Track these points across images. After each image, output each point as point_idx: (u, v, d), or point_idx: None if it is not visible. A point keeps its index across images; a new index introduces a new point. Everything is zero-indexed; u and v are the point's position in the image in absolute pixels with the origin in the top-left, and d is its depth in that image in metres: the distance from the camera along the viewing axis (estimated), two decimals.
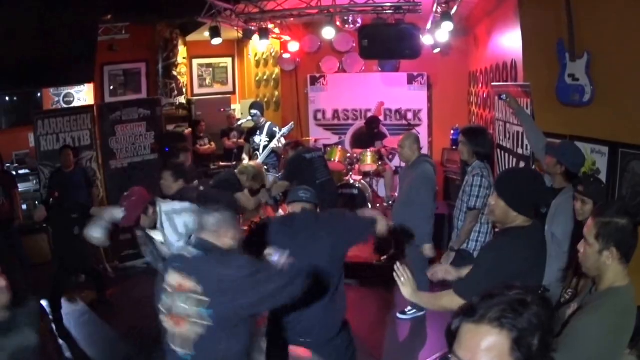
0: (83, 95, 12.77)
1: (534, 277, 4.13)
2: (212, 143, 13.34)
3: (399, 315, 8.11)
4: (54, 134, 10.57)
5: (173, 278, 3.87)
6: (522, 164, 6.83)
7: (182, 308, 3.78)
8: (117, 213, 6.34)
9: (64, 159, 9.60)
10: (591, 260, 3.46)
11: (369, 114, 13.18)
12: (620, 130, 6.02)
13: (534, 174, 4.91)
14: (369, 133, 12.32)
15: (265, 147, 10.80)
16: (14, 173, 10.91)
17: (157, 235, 5.56)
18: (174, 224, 5.54)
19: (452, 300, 3.95)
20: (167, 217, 5.58)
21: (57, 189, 9.26)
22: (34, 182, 10.78)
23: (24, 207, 10.17)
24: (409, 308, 8.01)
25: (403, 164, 8.46)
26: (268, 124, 11.20)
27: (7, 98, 11.95)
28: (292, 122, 11.46)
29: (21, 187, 10.66)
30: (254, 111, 11.13)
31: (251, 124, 11.55)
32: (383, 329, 7.86)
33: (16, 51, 8.28)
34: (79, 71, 9.92)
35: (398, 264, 4.08)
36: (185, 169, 7.80)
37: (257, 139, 11.06)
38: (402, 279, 4.06)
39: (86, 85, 12.57)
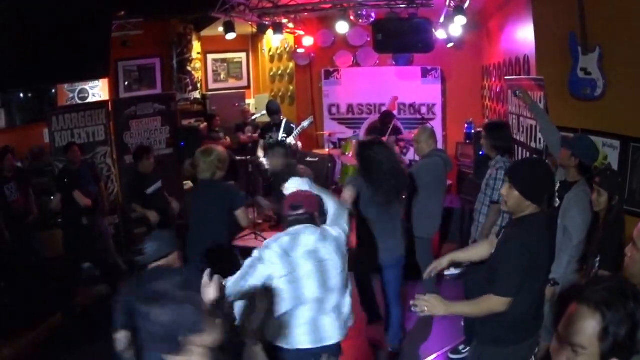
0: (98, 91, 12.81)
1: (546, 260, 4.34)
2: (227, 137, 13.36)
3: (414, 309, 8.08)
4: (68, 130, 10.61)
5: None
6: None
7: None
8: None
9: (70, 155, 9.62)
10: (639, 265, 3.31)
11: (383, 108, 13.17)
12: (632, 125, 6.01)
13: (544, 163, 4.99)
14: (383, 128, 12.31)
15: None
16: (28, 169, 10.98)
17: None
18: None
19: (498, 302, 4.08)
20: None
21: (66, 186, 9.34)
22: (49, 177, 10.83)
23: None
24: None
25: (417, 158, 8.47)
26: (285, 120, 11.26)
27: (21, 95, 11.97)
28: (311, 117, 11.50)
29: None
30: (274, 116, 11.31)
31: (266, 119, 11.60)
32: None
33: (30, 48, 8.34)
34: (93, 67, 9.98)
35: (412, 302, 4.08)
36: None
37: (274, 135, 11.09)
38: (426, 307, 4.05)
39: (101, 81, 12.61)
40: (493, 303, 4.08)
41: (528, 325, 4.33)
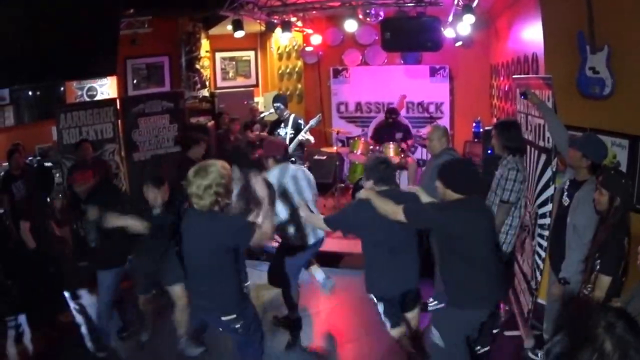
0: (106, 89, 12.85)
1: (474, 237, 5.17)
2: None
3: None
4: (76, 127, 10.61)
5: None
6: (543, 157, 6.80)
7: None
8: None
9: (82, 152, 9.63)
10: None
11: (391, 107, 13.15)
12: None
13: (466, 163, 6.56)
14: (389, 125, 12.26)
15: (291, 139, 10.79)
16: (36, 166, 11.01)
17: None
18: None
19: (396, 213, 5.42)
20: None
21: None
22: (57, 175, 10.84)
23: (47, 199, 10.22)
24: (431, 300, 7.98)
25: (426, 157, 8.47)
26: (292, 116, 11.14)
27: (30, 92, 12.00)
28: (320, 114, 11.47)
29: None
30: (277, 104, 11.06)
31: (274, 117, 11.57)
32: None
33: (39, 45, 8.37)
34: (101, 64, 10.01)
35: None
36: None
37: (282, 131, 11.03)
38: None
39: (109, 78, 12.64)
40: (395, 211, 5.44)
41: (477, 293, 5.21)
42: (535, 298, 6.74)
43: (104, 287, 7.29)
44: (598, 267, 4.75)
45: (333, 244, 9.42)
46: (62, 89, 12.44)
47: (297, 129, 10.84)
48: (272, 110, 11.32)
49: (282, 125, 11.07)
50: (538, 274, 6.62)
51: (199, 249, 5.11)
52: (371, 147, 11.81)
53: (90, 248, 7.24)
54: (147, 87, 13.51)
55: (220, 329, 5.65)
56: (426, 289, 7.92)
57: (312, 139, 10.94)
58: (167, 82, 13.93)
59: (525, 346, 6.89)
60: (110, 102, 11.55)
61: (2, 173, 9.70)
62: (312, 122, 10.81)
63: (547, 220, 6.41)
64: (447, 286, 5.46)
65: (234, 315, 5.27)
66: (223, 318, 5.28)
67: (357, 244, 6.18)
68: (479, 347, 5.72)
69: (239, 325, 5.32)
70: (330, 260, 9.49)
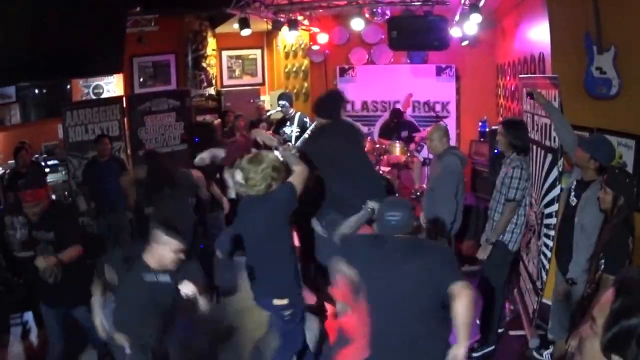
0: (112, 87, 12.89)
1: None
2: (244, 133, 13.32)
3: None
4: (82, 125, 10.67)
5: None
6: (549, 157, 6.79)
7: None
8: (220, 153, 7.58)
9: (101, 147, 9.65)
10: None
11: (398, 106, 13.12)
12: None
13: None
14: (395, 124, 12.27)
15: (297, 137, 10.79)
16: (43, 164, 11.06)
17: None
18: None
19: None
20: None
21: (92, 179, 9.39)
22: (63, 172, 10.87)
23: (53, 197, 10.24)
24: None
25: (431, 156, 8.45)
26: (298, 114, 11.09)
27: (36, 90, 12.04)
28: None
29: (50, 177, 10.81)
30: (282, 102, 11.01)
31: (280, 115, 11.57)
32: None
33: (46, 43, 8.40)
34: (107, 62, 10.05)
35: None
36: None
37: (287, 129, 11.01)
38: None
39: (115, 76, 12.67)
40: None
41: None
42: (541, 298, 6.75)
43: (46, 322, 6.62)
44: (602, 266, 4.74)
45: None
46: (68, 86, 12.48)
47: (302, 127, 10.80)
48: (278, 108, 11.30)
49: (288, 123, 11.03)
50: (544, 273, 6.62)
51: (259, 233, 5.59)
52: (377, 145, 11.78)
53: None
54: (154, 85, 13.56)
55: (270, 316, 6.26)
56: None
57: None
58: (174, 80, 13.98)
59: (530, 346, 6.90)
60: (116, 99, 11.60)
61: (8, 171, 9.75)
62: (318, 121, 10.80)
63: (553, 220, 6.41)
64: None
65: (287, 301, 5.59)
66: (275, 302, 5.61)
67: None
68: None
69: (288, 313, 5.65)
70: None
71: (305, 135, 10.10)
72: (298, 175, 5.65)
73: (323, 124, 7.31)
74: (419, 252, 4.54)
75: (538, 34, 8.60)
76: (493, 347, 7.16)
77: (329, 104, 7.43)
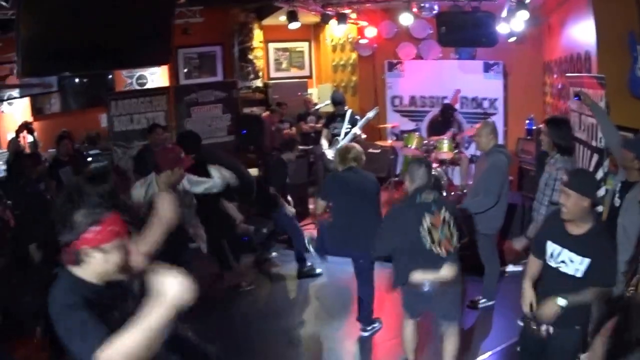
0: (157, 77, 13.01)
1: None
2: (293, 128, 13.35)
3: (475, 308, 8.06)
4: (127, 115, 10.78)
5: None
6: (595, 157, 6.72)
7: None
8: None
9: (154, 137, 9.73)
10: None
11: (446, 101, 13.07)
12: None
13: None
14: (444, 120, 12.23)
15: (346, 133, 10.85)
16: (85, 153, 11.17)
17: None
18: None
19: None
20: None
21: (145, 167, 9.50)
22: (106, 162, 10.99)
23: None
24: (480, 297, 7.95)
25: (478, 153, 8.39)
26: (349, 111, 11.32)
27: (76, 80, 12.18)
28: (377, 107, 11.50)
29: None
30: (340, 106, 11.42)
31: (329, 109, 11.62)
32: None
33: (94, 33, 8.46)
34: (155, 53, 10.09)
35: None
36: None
37: (338, 125, 11.13)
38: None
39: (160, 67, 12.76)
40: None
41: None
42: None
43: None
44: None
45: None
46: (110, 76, 12.59)
47: (353, 124, 10.93)
48: (327, 102, 11.37)
49: (339, 119, 11.15)
50: None
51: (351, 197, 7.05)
52: (425, 142, 11.73)
53: None
54: (199, 76, 13.65)
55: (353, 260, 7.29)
56: (475, 287, 7.95)
57: (364, 135, 10.99)
58: (220, 72, 14.07)
59: None
60: (162, 90, 11.69)
61: (46, 158, 9.86)
62: (370, 114, 10.85)
63: (600, 208, 6.32)
64: None
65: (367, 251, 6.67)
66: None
67: None
68: None
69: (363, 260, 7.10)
70: None
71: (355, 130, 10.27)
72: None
73: None
74: None
75: (583, 32, 8.49)
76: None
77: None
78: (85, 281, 2.93)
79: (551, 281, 4.86)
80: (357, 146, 7.46)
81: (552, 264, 4.80)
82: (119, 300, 3.05)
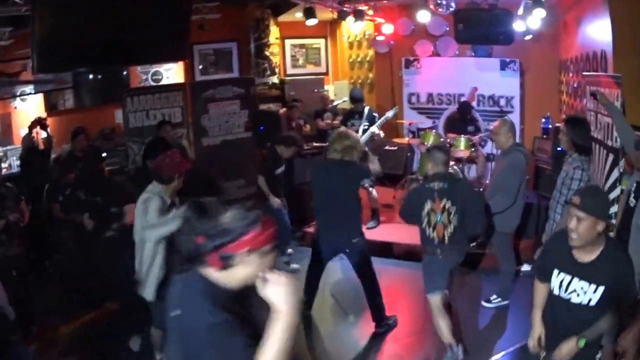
0: (172, 73, 13.05)
1: None
2: (308, 125, 13.36)
3: (484, 304, 8.04)
4: (143, 111, 10.83)
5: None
6: (611, 157, 6.70)
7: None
8: None
9: (163, 133, 9.79)
10: None
11: (463, 99, 13.04)
12: None
13: None
14: (461, 118, 12.22)
15: (364, 130, 10.85)
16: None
17: None
18: None
19: None
20: None
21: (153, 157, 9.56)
22: (119, 157, 11.04)
23: None
24: (494, 296, 7.96)
25: (495, 151, 8.39)
26: (367, 108, 11.31)
27: (90, 76, 12.23)
28: (396, 107, 11.47)
29: (107, 162, 11.02)
30: (358, 104, 11.50)
31: (346, 106, 11.63)
32: (466, 316, 7.79)
33: (110, 29, 8.51)
34: (172, 49, 10.12)
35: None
36: None
37: (356, 122, 11.13)
38: None
39: (175, 64, 12.79)
40: None
41: None
42: None
43: None
44: None
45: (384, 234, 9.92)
46: (124, 72, 12.64)
47: (371, 122, 10.91)
48: (345, 98, 11.38)
49: (357, 116, 11.16)
50: None
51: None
52: (442, 139, 11.71)
53: None
54: (215, 72, 13.71)
55: (347, 252, 7.34)
56: (490, 285, 7.96)
57: (382, 134, 10.98)
58: (235, 68, 14.10)
59: None
60: (179, 86, 11.73)
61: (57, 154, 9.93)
62: (389, 113, 10.81)
63: (613, 222, 6.31)
64: None
65: (358, 239, 7.20)
66: (353, 240, 7.19)
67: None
68: None
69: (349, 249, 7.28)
70: (383, 251, 9.75)
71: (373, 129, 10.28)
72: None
73: None
74: None
75: (599, 30, 8.46)
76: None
77: None
78: (220, 286, 2.79)
79: (562, 314, 4.46)
80: (353, 136, 7.63)
81: (563, 295, 4.39)
82: (246, 305, 2.91)
